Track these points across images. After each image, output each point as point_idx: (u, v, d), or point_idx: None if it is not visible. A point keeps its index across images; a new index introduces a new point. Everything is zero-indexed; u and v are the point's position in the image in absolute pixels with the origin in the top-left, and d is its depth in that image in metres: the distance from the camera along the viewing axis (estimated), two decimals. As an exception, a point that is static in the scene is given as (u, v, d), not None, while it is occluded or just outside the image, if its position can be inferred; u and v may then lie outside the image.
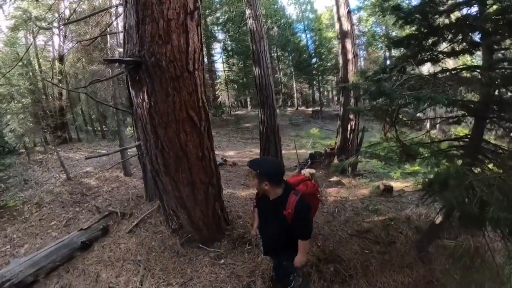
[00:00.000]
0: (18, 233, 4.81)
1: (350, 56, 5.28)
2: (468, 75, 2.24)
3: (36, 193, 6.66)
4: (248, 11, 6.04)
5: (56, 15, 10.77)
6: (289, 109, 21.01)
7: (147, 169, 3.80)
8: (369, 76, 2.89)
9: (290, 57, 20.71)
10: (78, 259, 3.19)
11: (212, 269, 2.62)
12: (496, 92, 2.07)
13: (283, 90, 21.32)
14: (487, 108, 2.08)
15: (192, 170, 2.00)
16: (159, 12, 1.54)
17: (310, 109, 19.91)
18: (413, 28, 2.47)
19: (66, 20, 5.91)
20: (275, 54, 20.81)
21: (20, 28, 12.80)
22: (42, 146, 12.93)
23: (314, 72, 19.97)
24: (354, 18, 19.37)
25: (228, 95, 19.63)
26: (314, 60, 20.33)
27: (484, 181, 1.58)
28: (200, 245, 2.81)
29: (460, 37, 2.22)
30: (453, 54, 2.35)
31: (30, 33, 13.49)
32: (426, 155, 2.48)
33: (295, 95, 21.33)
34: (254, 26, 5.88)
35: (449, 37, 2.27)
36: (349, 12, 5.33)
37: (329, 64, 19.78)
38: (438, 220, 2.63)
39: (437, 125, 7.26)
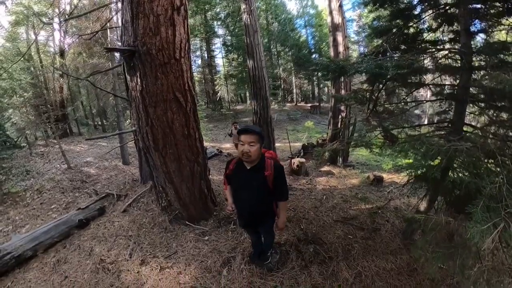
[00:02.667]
0: (20, 215, 5.12)
1: (341, 48, 5.53)
2: (449, 60, 2.31)
3: (38, 181, 6.98)
4: (243, 6, 6.30)
5: (57, 10, 11.10)
6: (288, 104, 21.26)
7: (142, 151, 4.15)
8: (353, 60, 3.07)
9: (290, 53, 20.91)
10: (75, 235, 3.45)
11: (196, 244, 2.80)
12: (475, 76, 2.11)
13: (282, 85, 21.55)
14: (466, 92, 2.12)
15: (178, 147, 2.30)
16: (150, 9, 1.84)
17: (309, 104, 20.16)
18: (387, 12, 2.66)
19: (67, 16, 6.19)
20: (275, 50, 21.01)
21: (21, 24, 13.18)
22: (44, 139, 13.32)
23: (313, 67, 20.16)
24: (355, 14, 19.48)
25: (227, 90, 19.90)
26: (314, 55, 20.51)
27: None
28: (187, 222, 3.00)
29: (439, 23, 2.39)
30: (436, 42, 2.46)
31: (31, 28, 13.86)
32: (403, 139, 2.66)
33: (294, 90, 21.55)
34: (249, 20, 6.15)
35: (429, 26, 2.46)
36: (340, 5, 5.57)
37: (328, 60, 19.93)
38: (423, 206, 2.68)
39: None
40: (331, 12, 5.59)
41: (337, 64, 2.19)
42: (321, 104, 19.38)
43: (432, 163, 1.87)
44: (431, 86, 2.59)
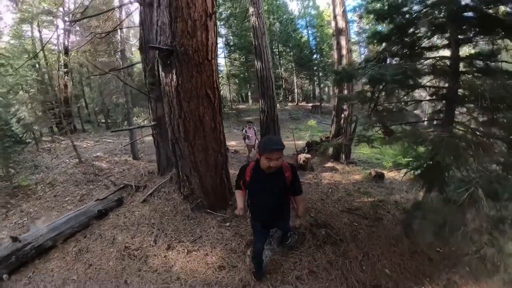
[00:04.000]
0: (34, 208, 5.07)
1: (344, 51, 5.84)
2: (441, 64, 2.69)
3: (49, 175, 7.01)
4: (251, 9, 6.60)
5: (62, 9, 11.30)
6: (289, 104, 21.57)
7: (160, 145, 4.40)
8: (357, 66, 3.40)
9: (292, 53, 21.21)
10: (94, 226, 3.46)
11: (219, 230, 2.99)
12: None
13: (284, 85, 21.85)
14: (454, 93, 2.43)
15: (206, 138, 2.59)
16: (188, 14, 2.12)
17: (310, 104, 20.47)
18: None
19: (80, 15, 6.42)
20: (277, 50, 21.30)
21: (26, 21, 13.37)
22: (50, 135, 13.48)
23: (314, 68, 20.49)
24: (356, 15, 19.81)
25: (229, 89, 20.17)
26: (315, 56, 20.83)
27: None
28: (208, 210, 3.24)
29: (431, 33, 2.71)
30: (431, 49, 2.80)
31: (39, 26, 14.06)
32: (399, 135, 3.01)
33: (296, 90, 21.87)
34: (257, 23, 6.44)
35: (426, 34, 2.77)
36: (344, 11, 5.88)
37: (330, 60, 20.29)
38: (420, 197, 2.92)
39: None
40: (335, 17, 5.90)
41: (347, 71, 2.50)
42: (322, 104, 19.70)
43: (422, 151, 2.21)
44: (426, 87, 2.91)
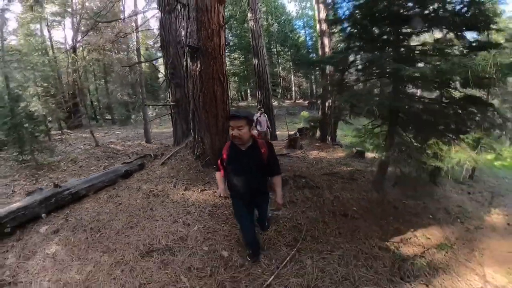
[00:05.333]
0: (62, 176, 5.73)
1: (327, 49, 7.22)
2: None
3: (69, 156, 7.78)
4: (250, 14, 8.01)
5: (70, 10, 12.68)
6: (287, 101, 23.00)
7: (177, 122, 5.74)
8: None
9: (289, 53, 22.66)
10: (120, 183, 4.25)
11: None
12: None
13: (282, 83, 23.30)
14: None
15: (218, 108, 3.89)
16: (208, 24, 3.45)
17: (307, 101, 21.90)
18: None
19: (100, 18, 7.77)
20: (275, 50, 22.75)
21: (35, 21, 14.76)
22: (59, 130, 14.69)
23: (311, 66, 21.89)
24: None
25: (229, 87, 21.59)
26: (311, 55, 22.27)
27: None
28: (215, 166, 4.62)
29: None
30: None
31: (48, 26, 15.47)
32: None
33: (293, 88, 23.31)
34: (254, 26, 7.85)
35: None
36: (327, 15, 7.28)
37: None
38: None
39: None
40: (319, 21, 7.29)
41: (314, 59, 3.85)
42: (318, 101, 21.09)
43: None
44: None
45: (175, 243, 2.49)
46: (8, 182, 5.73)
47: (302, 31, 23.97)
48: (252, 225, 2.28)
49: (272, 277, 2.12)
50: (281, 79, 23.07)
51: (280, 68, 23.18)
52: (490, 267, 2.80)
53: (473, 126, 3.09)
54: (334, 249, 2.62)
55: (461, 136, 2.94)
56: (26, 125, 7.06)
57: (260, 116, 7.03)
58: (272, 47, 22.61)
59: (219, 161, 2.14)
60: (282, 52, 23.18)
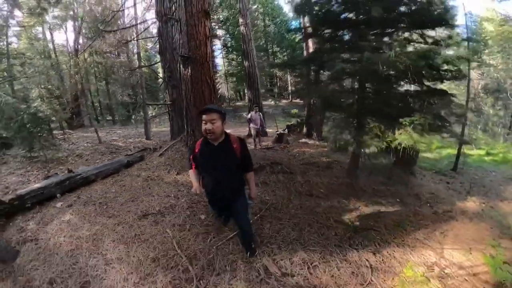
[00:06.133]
0: (71, 167, 6.29)
1: (310, 50, 7.98)
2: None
3: (74, 152, 8.52)
4: (240, 20, 8.81)
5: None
6: (283, 100, 23.78)
7: (174, 119, 6.54)
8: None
9: (286, 53, 23.45)
10: (123, 171, 5.08)
11: None
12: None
13: (278, 83, 24.09)
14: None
15: (206, 104, 4.70)
16: (196, 37, 4.24)
17: (303, 100, 22.64)
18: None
19: (104, 25, 8.58)
20: (271, 50, 23.55)
21: (37, 25, 15.62)
22: (61, 130, 15.46)
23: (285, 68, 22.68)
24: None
25: (227, 87, 22.41)
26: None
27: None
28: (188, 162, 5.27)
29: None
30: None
31: (51, 29, 16.34)
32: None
33: (290, 88, 24.09)
34: (245, 31, 8.64)
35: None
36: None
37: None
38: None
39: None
40: (304, 25, 8.04)
41: (286, 62, 4.65)
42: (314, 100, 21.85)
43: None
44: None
45: (166, 210, 3.25)
46: (22, 173, 6.54)
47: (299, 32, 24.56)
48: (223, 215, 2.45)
49: (235, 233, 2.66)
50: (278, 79, 23.86)
51: (277, 68, 23.93)
52: (450, 246, 2.83)
53: (419, 112, 3.69)
54: (292, 218, 3.10)
55: (401, 120, 3.58)
56: (28, 124, 7.89)
57: (254, 114, 7.45)
58: (268, 47, 23.42)
59: (191, 157, 2.11)
60: (278, 53, 23.98)
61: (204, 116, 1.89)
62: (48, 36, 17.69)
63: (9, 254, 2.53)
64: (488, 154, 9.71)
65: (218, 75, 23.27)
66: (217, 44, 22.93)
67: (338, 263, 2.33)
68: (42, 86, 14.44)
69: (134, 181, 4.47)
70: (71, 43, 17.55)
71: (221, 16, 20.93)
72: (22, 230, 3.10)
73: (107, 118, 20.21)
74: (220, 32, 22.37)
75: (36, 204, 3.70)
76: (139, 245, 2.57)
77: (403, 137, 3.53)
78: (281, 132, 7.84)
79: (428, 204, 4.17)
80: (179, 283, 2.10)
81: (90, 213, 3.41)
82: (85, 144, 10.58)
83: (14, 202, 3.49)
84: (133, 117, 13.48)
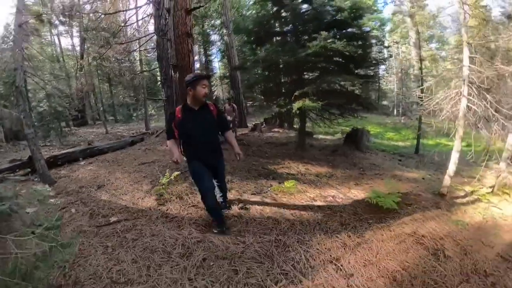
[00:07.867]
0: None
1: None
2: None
3: (86, 139, 10.98)
4: (224, 30, 10.91)
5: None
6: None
7: (168, 111, 8.60)
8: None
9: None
10: (127, 148, 7.22)
11: None
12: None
13: (270, 84, 25.99)
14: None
15: (190, 99, 6.76)
16: (182, 50, 6.29)
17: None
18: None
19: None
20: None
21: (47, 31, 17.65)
22: (69, 127, 17.34)
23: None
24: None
25: (222, 89, 24.48)
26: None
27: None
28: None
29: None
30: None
31: (58, 35, 18.45)
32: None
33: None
34: (228, 40, 10.74)
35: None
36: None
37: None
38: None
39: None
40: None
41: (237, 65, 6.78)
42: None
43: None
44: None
45: (159, 160, 5.24)
46: (45, 150, 8.63)
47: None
48: (213, 187, 2.44)
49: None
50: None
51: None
52: (357, 190, 3.66)
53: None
54: (234, 165, 4.53)
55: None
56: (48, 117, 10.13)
57: (228, 106, 8.57)
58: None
59: (173, 124, 2.24)
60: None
61: (205, 81, 2.25)
62: (56, 41, 19.99)
63: (50, 180, 4.41)
64: (469, 145, 10.91)
65: (214, 78, 25.35)
66: (213, 49, 25.08)
67: (257, 184, 4.08)
68: (52, 86, 16.51)
69: (136, 151, 6.58)
70: (77, 47, 19.79)
71: (218, 21, 22.96)
72: (56, 174, 4.97)
73: (110, 118, 22.19)
74: (215, 37, 24.49)
75: (65, 162, 5.71)
76: (137, 173, 4.53)
77: (298, 104, 5.05)
78: (256, 123, 9.85)
79: (361, 169, 5.03)
80: (154, 185, 3.89)
81: (105, 166, 5.37)
82: (91, 137, 12.65)
83: (50, 160, 5.38)
84: (134, 114, 15.52)
